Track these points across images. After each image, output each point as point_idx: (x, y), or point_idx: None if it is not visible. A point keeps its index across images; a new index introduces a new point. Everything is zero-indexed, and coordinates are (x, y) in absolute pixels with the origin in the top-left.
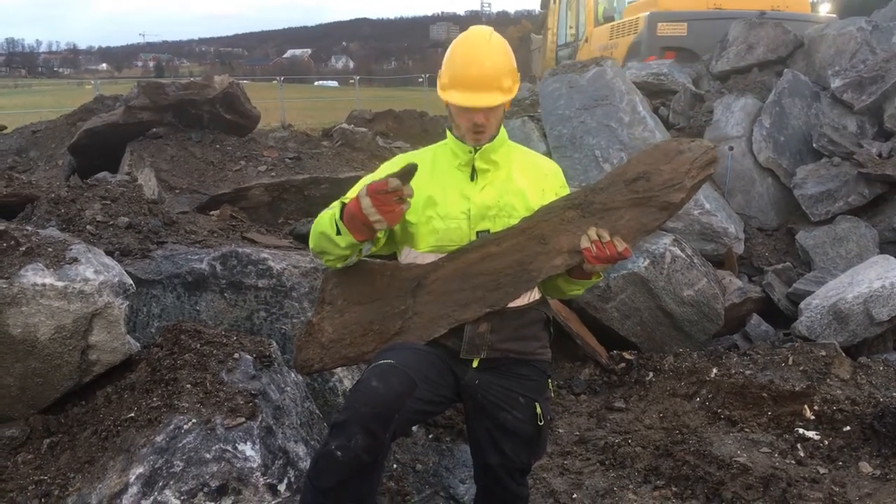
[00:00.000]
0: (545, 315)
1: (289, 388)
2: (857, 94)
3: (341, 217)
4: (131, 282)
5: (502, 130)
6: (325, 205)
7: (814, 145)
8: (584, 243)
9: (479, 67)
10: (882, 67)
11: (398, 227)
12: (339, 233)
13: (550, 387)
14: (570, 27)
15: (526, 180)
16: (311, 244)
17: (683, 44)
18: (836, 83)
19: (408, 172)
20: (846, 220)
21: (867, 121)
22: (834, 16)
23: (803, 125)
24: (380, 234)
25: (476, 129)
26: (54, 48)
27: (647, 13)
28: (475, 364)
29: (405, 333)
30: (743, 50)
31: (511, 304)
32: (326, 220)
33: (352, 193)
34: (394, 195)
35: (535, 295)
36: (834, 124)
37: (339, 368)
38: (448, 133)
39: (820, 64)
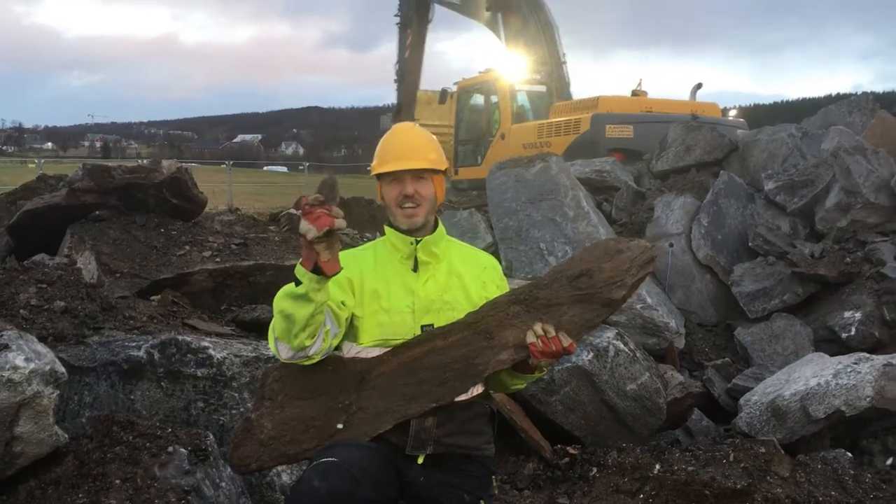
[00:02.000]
0: (490, 409)
1: (224, 484)
2: (790, 196)
3: None
4: (63, 370)
5: (441, 226)
6: (270, 293)
7: (749, 244)
8: (531, 338)
9: (403, 141)
10: (812, 172)
11: (343, 319)
12: (298, 283)
13: (495, 483)
14: (475, 123)
15: (467, 273)
16: (274, 329)
17: (630, 145)
18: (769, 186)
19: (329, 185)
20: (782, 317)
21: (799, 222)
22: (742, 120)
23: (739, 224)
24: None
25: (406, 203)
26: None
27: (592, 115)
28: (420, 460)
29: (349, 430)
30: (681, 151)
31: (457, 398)
32: (284, 288)
33: None
34: (319, 207)
35: (478, 388)
36: (768, 225)
37: None
38: (387, 228)
39: (754, 167)
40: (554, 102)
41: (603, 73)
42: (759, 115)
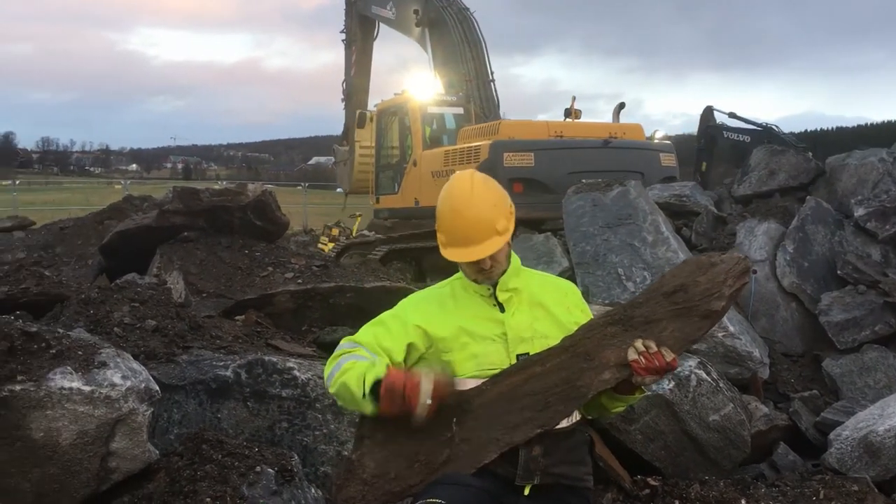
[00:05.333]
0: (589, 437)
1: None
2: (881, 223)
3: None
4: (157, 388)
5: (515, 258)
6: (350, 315)
7: (838, 272)
8: (632, 355)
9: (468, 221)
10: None
11: (431, 355)
12: (364, 396)
13: None
14: (393, 147)
15: (550, 301)
16: (332, 385)
17: (531, 174)
18: (859, 212)
19: (448, 387)
20: (873, 349)
21: (891, 250)
22: (669, 142)
23: (827, 252)
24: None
25: (484, 273)
26: (87, 148)
27: (491, 142)
28: (526, 491)
29: (453, 462)
30: (765, 175)
31: (559, 426)
32: (353, 378)
33: (363, 335)
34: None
35: (577, 415)
36: (858, 252)
37: None
38: (462, 275)
39: (842, 192)
40: (472, 125)
41: (680, 96)
42: (844, 138)
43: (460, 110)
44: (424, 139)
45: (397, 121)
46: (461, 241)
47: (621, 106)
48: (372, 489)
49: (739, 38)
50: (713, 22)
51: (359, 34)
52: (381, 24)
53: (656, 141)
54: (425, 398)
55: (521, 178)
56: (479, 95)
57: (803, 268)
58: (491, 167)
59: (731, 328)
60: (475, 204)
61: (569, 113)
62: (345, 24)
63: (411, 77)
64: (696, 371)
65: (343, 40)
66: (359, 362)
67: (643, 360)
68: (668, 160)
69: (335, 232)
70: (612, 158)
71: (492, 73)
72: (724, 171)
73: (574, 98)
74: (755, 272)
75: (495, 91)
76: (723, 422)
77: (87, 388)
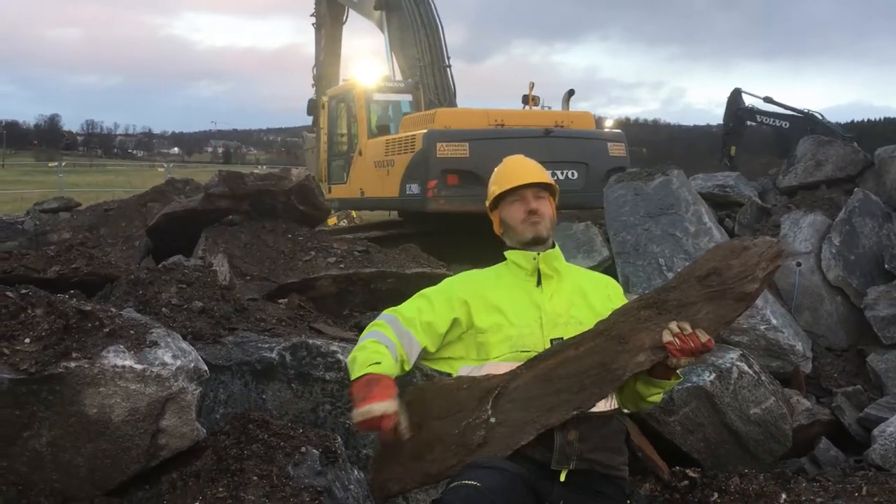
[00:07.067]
0: (625, 426)
1: (352, 487)
2: None
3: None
4: (206, 368)
5: (557, 246)
6: (391, 300)
7: (886, 266)
8: (667, 337)
9: (519, 164)
10: None
11: (468, 336)
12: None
13: None
14: (342, 135)
15: (590, 289)
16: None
17: (464, 166)
18: None
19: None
20: None
21: None
22: (619, 131)
23: (875, 245)
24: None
25: (531, 218)
26: (130, 131)
27: (424, 131)
28: (562, 477)
29: (490, 444)
30: (811, 166)
31: (595, 410)
32: (358, 361)
33: (407, 307)
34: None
35: (614, 402)
36: None
37: None
38: (507, 251)
39: (891, 185)
40: (421, 112)
41: (723, 85)
42: (891, 129)
43: (409, 97)
44: (370, 127)
45: (345, 108)
46: (514, 177)
47: (570, 93)
48: (408, 471)
49: (786, 27)
50: (759, 9)
51: (328, 17)
52: (349, 9)
53: (606, 130)
54: (358, 419)
55: (455, 169)
56: (434, 82)
57: (849, 261)
58: (424, 158)
59: (774, 321)
60: (526, 159)
61: (526, 100)
62: (315, 8)
63: (359, 62)
64: (738, 363)
65: (313, 24)
66: (372, 347)
67: (678, 342)
68: (617, 150)
69: (332, 221)
70: (553, 149)
71: (448, 59)
72: (768, 163)
73: (532, 84)
74: (799, 265)
75: (451, 78)
76: (764, 415)
77: (139, 367)
